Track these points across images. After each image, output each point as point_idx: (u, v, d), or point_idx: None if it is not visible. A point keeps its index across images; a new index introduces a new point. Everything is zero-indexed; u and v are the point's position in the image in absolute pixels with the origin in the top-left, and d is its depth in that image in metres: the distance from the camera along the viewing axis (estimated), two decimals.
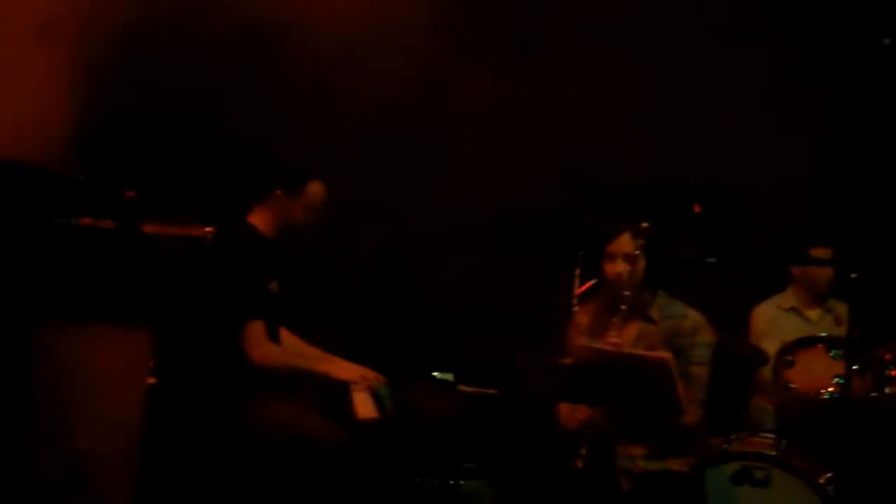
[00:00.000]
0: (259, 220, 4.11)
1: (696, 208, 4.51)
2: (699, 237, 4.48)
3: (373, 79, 5.50)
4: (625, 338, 3.92)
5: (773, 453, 4.06)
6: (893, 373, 4.31)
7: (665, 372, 3.55)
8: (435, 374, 4.85)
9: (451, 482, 4.67)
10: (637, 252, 3.95)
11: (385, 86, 5.50)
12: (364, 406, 3.96)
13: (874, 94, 5.22)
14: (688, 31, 5.60)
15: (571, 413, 3.91)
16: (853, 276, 3.93)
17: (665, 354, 3.61)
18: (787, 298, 5.20)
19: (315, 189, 4.14)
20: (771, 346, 4.73)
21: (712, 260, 4.10)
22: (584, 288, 4.85)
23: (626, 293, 3.90)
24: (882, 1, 5.30)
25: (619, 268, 3.97)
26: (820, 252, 4.98)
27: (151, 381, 3.98)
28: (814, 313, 5.16)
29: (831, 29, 5.38)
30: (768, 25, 5.53)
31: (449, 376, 4.88)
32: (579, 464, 3.79)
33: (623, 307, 3.89)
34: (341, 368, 4.04)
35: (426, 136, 5.51)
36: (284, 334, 4.17)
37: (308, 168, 4.17)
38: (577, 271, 4.91)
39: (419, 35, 5.52)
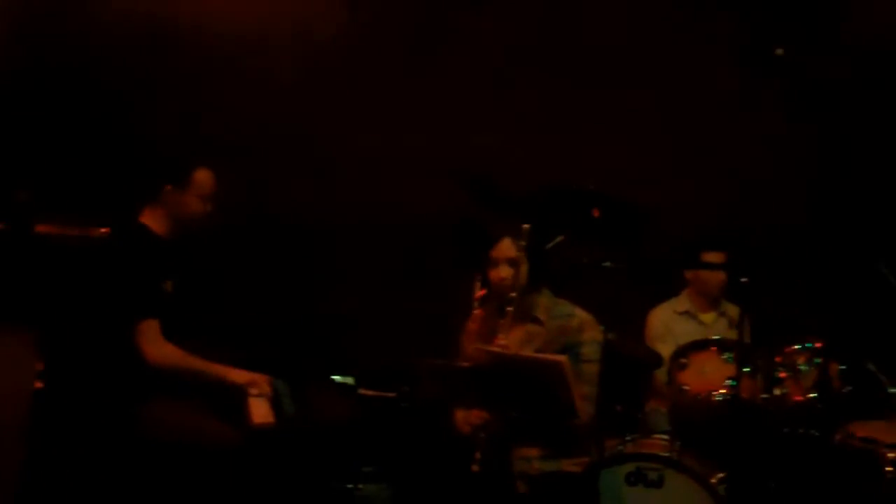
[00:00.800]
0: (151, 219, 4.05)
1: (595, 213, 4.54)
2: (597, 242, 4.53)
3: (280, 81, 5.47)
4: (512, 340, 3.94)
5: (667, 454, 4.11)
6: (783, 375, 4.42)
7: (560, 375, 3.56)
8: (335, 377, 4.83)
9: (351, 486, 4.65)
10: (520, 255, 3.98)
11: (292, 88, 5.47)
12: (259, 410, 3.91)
13: (764, 101, 5.35)
14: (587, 39, 5.68)
15: (467, 416, 3.91)
16: (744, 280, 4.01)
17: (560, 357, 3.62)
18: (682, 302, 5.31)
19: (202, 177, 4.09)
20: (666, 349, 4.81)
21: (608, 264, 4.14)
22: (483, 292, 4.87)
23: (513, 295, 3.93)
24: (774, 12, 5.46)
25: (502, 273, 3.99)
26: (712, 257, 5.10)
27: (39, 385, 3.88)
28: (707, 316, 5.27)
29: (723, 40, 5.52)
30: (662, 37, 5.65)
31: (350, 380, 4.86)
32: (475, 467, 3.79)
33: (509, 309, 3.90)
34: (236, 372, 3.99)
35: (330, 138, 5.49)
36: None
37: (191, 157, 4.12)
38: (478, 275, 4.95)
39: (327, 37, 5.49)
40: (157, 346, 3.84)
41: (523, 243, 3.98)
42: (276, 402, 4.06)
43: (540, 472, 3.92)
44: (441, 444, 4.24)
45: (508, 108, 5.61)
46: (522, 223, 4.03)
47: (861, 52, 5.57)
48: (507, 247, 4.02)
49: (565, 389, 3.58)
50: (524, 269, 4.02)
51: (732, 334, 4.74)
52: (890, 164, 5.42)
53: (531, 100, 5.62)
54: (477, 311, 4.35)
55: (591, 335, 4.04)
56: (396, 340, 5.10)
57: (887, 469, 3.49)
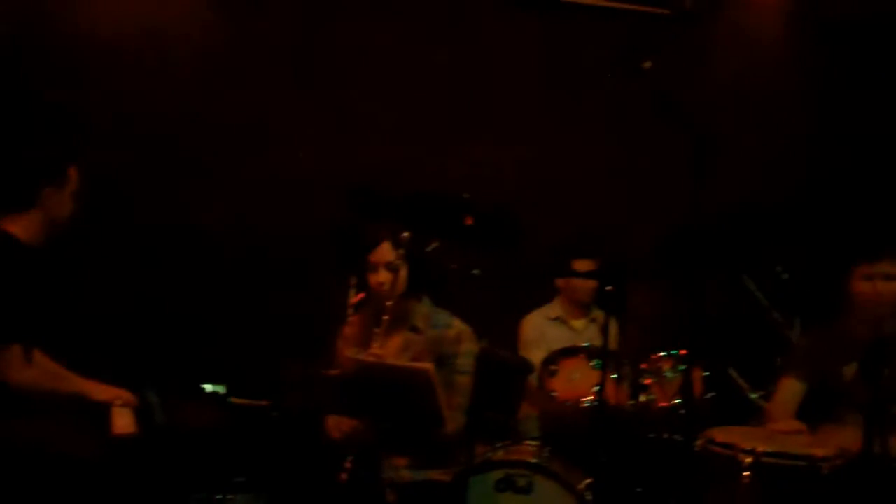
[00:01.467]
0: (18, 226, 3.87)
1: (468, 220, 4.57)
2: (470, 249, 4.55)
3: (153, 85, 5.37)
4: (389, 348, 3.94)
5: (535, 461, 4.15)
6: (648, 381, 4.52)
7: (426, 383, 3.57)
8: (206, 385, 4.74)
9: (221, 496, 4.58)
10: (399, 261, 3.97)
11: (166, 92, 5.38)
12: (121, 421, 3.84)
13: (634, 114, 5.47)
14: (461, 52, 5.74)
15: (337, 425, 3.88)
16: (609, 289, 4.08)
17: (426, 365, 3.63)
18: (554, 309, 5.38)
19: (74, 173, 3.97)
20: (539, 356, 4.85)
21: (477, 272, 4.16)
22: (358, 298, 4.85)
23: (389, 303, 3.92)
24: (643, 26, 5.59)
25: (381, 277, 4.00)
26: (582, 264, 5.17)
27: None
28: (579, 323, 5.36)
29: (598, 51, 5.63)
30: (534, 49, 5.74)
31: (221, 388, 4.78)
32: (344, 476, 3.77)
33: (385, 318, 3.90)
34: (98, 389, 3.90)
35: (201, 142, 5.41)
36: (37, 355, 3.93)
37: (65, 152, 4.00)
38: (353, 281, 4.92)
39: (200, 41, 5.42)
40: (19, 371, 3.71)
41: (403, 251, 3.98)
42: (146, 413, 3.99)
43: (409, 481, 3.93)
44: (312, 453, 4.22)
45: (388, 117, 5.62)
46: (397, 229, 4.04)
47: (726, 66, 5.76)
48: (386, 251, 4.02)
49: (432, 397, 3.59)
50: (403, 275, 4.01)
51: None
52: (758, 179, 5.62)
53: (411, 109, 5.65)
54: (352, 318, 4.34)
55: (468, 347, 4.07)
56: (270, 348, 5.06)
57: (744, 474, 3.58)
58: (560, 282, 5.36)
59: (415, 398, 3.61)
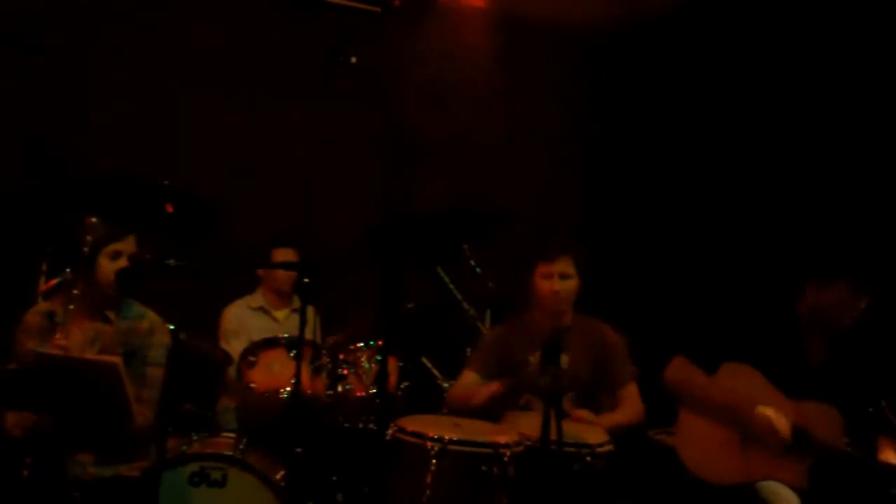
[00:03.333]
0: None
1: (169, 209, 4.46)
2: (169, 238, 4.44)
3: None
4: (76, 339, 3.79)
5: (230, 453, 4.11)
6: (346, 371, 4.59)
7: (113, 377, 3.45)
8: None
9: None
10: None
11: None
12: None
13: (341, 108, 5.56)
14: (190, 40, 5.62)
15: (18, 422, 3.68)
16: (306, 280, 4.10)
17: (114, 358, 3.51)
18: (256, 299, 5.38)
19: None
20: (240, 346, 4.85)
21: (171, 262, 4.06)
22: (49, 285, 4.61)
23: (75, 292, 3.78)
24: (353, 21, 5.68)
25: (122, 264, 3.86)
26: (282, 254, 5.19)
27: None
28: (281, 313, 5.37)
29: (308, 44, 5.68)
30: (256, 42, 5.73)
31: None
32: (25, 474, 3.58)
33: (71, 307, 3.76)
34: None
35: None
36: None
37: None
38: (45, 267, 4.68)
39: None
40: None
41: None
42: None
43: (95, 478, 3.80)
44: None
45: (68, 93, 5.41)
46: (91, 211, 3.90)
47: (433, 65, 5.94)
48: (131, 243, 3.89)
49: (120, 392, 3.47)
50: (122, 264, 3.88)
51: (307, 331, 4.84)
52: (458, 176, 5.82)
53: (118, 92, 5.46)
54: (37, 306, 4.12)
55: (160, 339, 3.98)
56: None
57: (432, 461, 3.69)
58: (261, 271, 5.35)
59: (101, 392, 3.47)
